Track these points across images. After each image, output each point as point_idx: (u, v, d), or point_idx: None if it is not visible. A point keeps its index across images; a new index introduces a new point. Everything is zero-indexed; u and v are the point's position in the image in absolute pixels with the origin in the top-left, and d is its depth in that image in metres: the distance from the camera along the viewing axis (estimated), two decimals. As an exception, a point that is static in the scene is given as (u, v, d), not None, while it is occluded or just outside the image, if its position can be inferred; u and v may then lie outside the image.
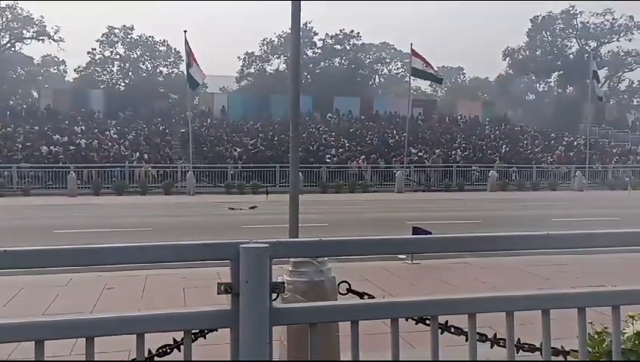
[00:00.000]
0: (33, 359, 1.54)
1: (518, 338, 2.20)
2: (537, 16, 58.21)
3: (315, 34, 56.56)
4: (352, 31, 57.32)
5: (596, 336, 2.56)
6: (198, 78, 23.19)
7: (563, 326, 2.06)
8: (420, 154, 30.59)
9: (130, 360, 2.41)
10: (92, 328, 1.56)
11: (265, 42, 56.88)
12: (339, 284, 2.87)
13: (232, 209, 15.01)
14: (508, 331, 1.79)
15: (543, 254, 7.10)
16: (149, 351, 2.41)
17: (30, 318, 1.58)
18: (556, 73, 60.40)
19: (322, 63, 57.29)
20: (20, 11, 51.20)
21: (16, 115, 34.97)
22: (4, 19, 51.02)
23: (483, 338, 2.49)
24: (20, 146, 27.48)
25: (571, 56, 58.17)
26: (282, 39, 54.69)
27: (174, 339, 2.27)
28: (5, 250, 1.52)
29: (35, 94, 45.12)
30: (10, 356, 3.43)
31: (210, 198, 19.96)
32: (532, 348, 2.48)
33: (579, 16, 57.44)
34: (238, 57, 57.46)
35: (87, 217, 13.84)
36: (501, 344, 2.43)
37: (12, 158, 25.36)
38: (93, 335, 1.54)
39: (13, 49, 52.98)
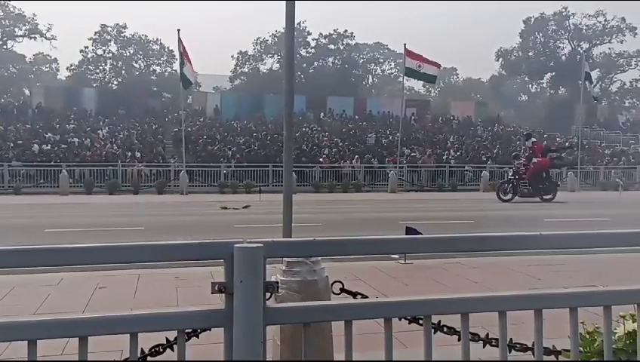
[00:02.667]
0: (25, 358, 1.53)
1: (510, 338, 2.21)
2: (530, 17, 58.61)
3: (309, 34, 56.68)
4: (346, 31, 57.49)
5: (588, 336, 2.58)
6: (191, 77, 23.13)
7: (555, 326, 2.07)
8: (413, 154, 30.66)
9: (122, 359, 2.40)
10: (86, 327, 1.55)
11: (258, 42, 56.91)
12: (332, 284, 2.87)
13: (225, 208, 14.98)
14: (500, 331, 1.80)
15: (536, 254, 7.13)
16: (142, 350, 2.40)
17: (23, 317, 1.57)
18: (549, 74, 60.76)
19: (316, 63, 57.36)
20: (11, 9, 51.00)
21: (7, 113, 34.77)
22: (-5, 17, 50.76)
23: (475, 337, 2.50)
24: (12, 145, 27.32)
25: (563, 57, 58.53)
26: (276, 38, 54.72)
27: (167, 339, 2.27)
28: (-2, 249, 1.52)
29: (27, 92, 44.92)
30: (2, 355, 3.41)
31: (203, 198, 19.92)
32: (524, 348, 2.49)
33: (571, 17, 57.92)
34: (232, 56, 57.58)
35: (79, 216, 13.78)
36: (493, 343, 2.44)
37: (3, 157, 25.21)
38: (86, 335, 1.54)
39: (4, 47, 52.72)
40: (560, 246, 1.99)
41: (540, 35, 58.99)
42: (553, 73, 59.65)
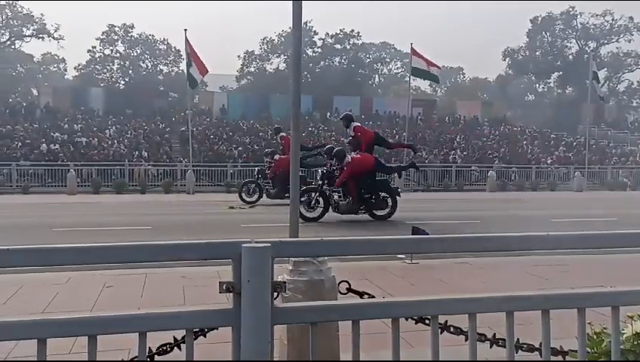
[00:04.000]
0: (34, 356, 1.54)
1: (517, 338, 2.21)
2: (537, 16, 58.39)
3: (315, 33, 56.67)
4: (352, 30, 57.49)
5: (595, 337, 2.57)
6: (197, 77, 23.16)
7: (562, 327, 2.07)
8: (419, 154, 30.63)
9: (130, 359, 2.42)
10: (95, 326, 1.57)
11: (265, 41, 56.96)
12: (339, 284, 2.87)
13: (232, 208, 15.00)
14: (508, 331, 1.79)
15: (542, 254, 7.11)
16: (149, 349, 2.41)
17: (33, 316, 1.58)
18: (556, 74, 60.52)
19: (322, 63, 57.36)
20: (19, 9, 51.26)
21: (15, 112, 34.96)
22: (3, 17, 51.05)
23: (482, 338, 2.49)
24: (20, 144, 27.48)
25: (571, 56, 58.27)
26: (282, 38, 54.76)
27: (175, 338, 2.28)
28: (8, 249, 1.53)
29: (35, 92, 45.17)
30: (10, 354, 3.43)
31: (209, 197, 19.95)
32: (531, 348, 2.48)
33: (578, 17, 57.67)
34: (238, 56, 57.68)
35: (86, 215, 13.84)
36: (500, 344, 2.44)
37: (11, 156, 25.37)
38: (96, 334, 1.55)
39: (13, 47, 52.99)
40: (567, 246, 1.99)
41: (547, 34, 58.76)
42: (560, 73, 59.40)
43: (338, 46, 57.52)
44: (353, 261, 6.33)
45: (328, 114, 40.35)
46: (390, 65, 65.77)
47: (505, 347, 1.87)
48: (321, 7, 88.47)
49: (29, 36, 52.50)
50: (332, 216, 12.15)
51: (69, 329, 1.57)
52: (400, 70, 63.96)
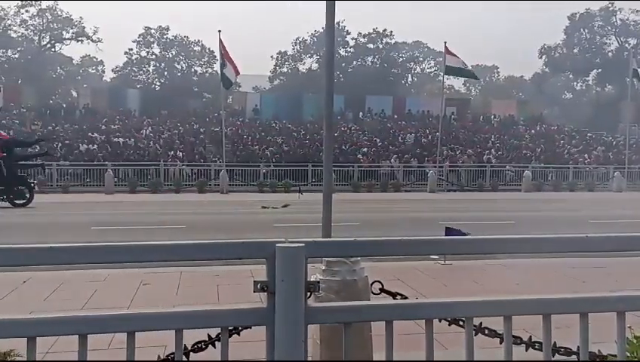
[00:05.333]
0: (75, 350, 1.59)
1: (554, 342, 2.17)
2: (575, 13, 57.10)
3: (348, 33, 56.55)
4: (385, 30, 57.18)
5: (635, 341, 2.51)
6: (231, 78, 23.40)
7: (601, 330, 2.03)
8: (451, 153, 30.30)
9: (166, 355, 2.46)
10: (133, 323, 1.60)
11: (298, 41, 57.11)
12: (371, 284, 2.87)
13: (266, 208, 15.10)
14: (545, 334, 1.77)
15: (579, 256, 6.95)
16: (185, 346, 2.45)
17: (73, 313, 1.63)
18: (594, 71, 59.06)
19: (355, 62, 57.20)
20: (59, 12, 52.66)
21: (55, 113, 35.88)
22: (44, 20, 52.50)
23: (517, 340, 2.46)
24: (60, 145, 28.19)
25: (610, 54, 56.78)
26: (315, 38, 54.85)
27: (209, 336, 2.32)
28: (51, 246, 1.58)
29: (74, 94, 46.24)
30: (51, 348, 3.52)
31: (242, 197, 20.14)
32: (568, 352, 2.44)
33: (618, 13, 56.13)
34: (271, 57, 57.95)
35: (123, 214, 14.12)
36: (536, 347, 2.40)
37: (52, 156, 26.02)
38: (134, 330, 1.59)
39: (53, 49, 54.48)
40: (606, 248, 1.95)
41: (586, 31, 57.40)
42: (599, 70, 57.97)
43: (371, 45, 57.31)
44: (385, 261, 6.31)
45: (361, 113, 40.25)
46: (423, 65, 65.19)
47: (541, 350, 1.84)
48: (354, 7, 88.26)
49: (68, 39, 53.93)
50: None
51: (109, 325, 1.61)
52: (433, 69, 63.36)
